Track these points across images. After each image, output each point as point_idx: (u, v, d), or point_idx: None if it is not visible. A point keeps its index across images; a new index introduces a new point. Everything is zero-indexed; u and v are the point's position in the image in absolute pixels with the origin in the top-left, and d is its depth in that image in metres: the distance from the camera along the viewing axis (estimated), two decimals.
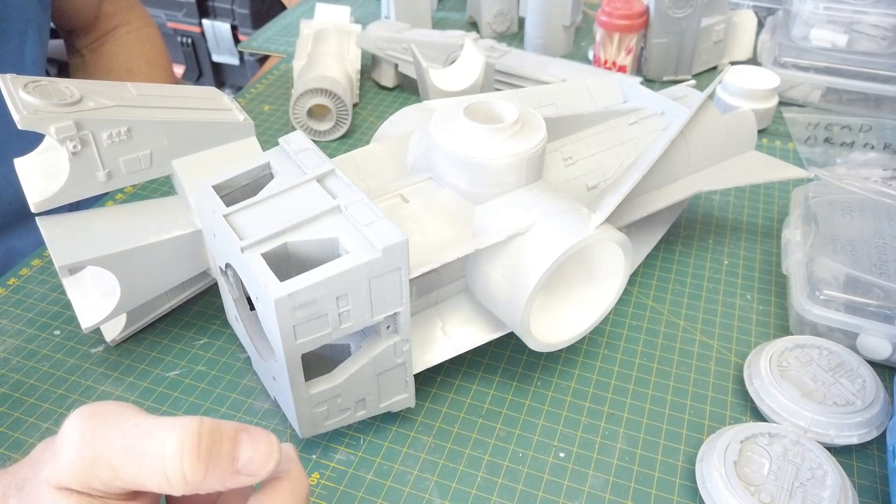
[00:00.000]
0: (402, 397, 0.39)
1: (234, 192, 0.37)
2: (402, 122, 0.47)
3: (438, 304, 0.41)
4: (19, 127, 0.37)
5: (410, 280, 0.34)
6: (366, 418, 0.39)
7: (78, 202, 0.42)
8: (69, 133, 0.38)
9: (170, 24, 1.55)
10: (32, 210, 0.40)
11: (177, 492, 0.25)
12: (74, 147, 0.38)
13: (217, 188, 0.36)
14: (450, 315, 0.41)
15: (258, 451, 0.26)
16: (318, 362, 0.39)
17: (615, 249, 0.39)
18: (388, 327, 0.36)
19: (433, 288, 0.40)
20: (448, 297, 0.41)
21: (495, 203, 0.39)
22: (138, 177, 0.42)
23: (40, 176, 0.40)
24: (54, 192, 0.39)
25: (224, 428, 0.25)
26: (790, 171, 0.50)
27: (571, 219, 0.37)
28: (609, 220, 0.38)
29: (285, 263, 0.33)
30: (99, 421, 0.25)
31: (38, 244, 0.56)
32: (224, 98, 0.46)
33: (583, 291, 0.41)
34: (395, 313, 0.35)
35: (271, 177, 0.37)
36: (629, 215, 0.45)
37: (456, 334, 0.41)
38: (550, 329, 0.40)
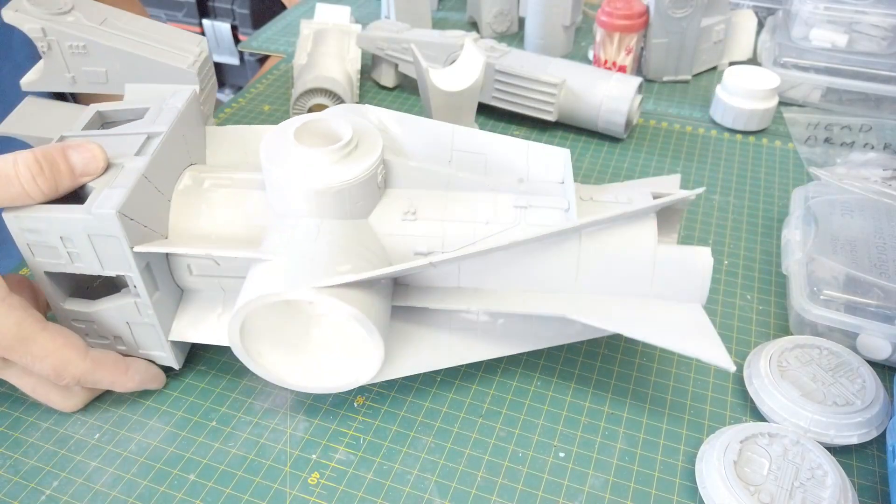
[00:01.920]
0: (160, 354, 0.41)
1: (116, 123, 0.42)
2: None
3: (228, 293, 0.41)
4: (4, 20, 0.45)
5: (190, 257, 0.38)
6: (135, 355, 0.41)
7: None
8: (37, 35, 0.45)
9: (170, 24, 1.55)
10: (22, 88, 0.48)
11: (38, 200, 0.35)
12: (42, 47, 0.46)
13: (104, 114, 0.42)
14: (233, 306, 0.39)
15: (86, 156, 0.36)
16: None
17: (355, 322, 0.35)
18: (135, 286, 0.37)
19: (216, 275, 0.40)
20: (234, 290, 0.41)
21: (284, 223, 0.38)
22: (99, 88, 0.49)
23: (36, 69, 0.48)
24: (34, 78, 0.48)
25: (53, 149, 0.35)
26: (717, 359, 0.36)
27: (301, 269, 0.35)
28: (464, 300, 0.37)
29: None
30: None
31: None
32: (195, 49, 0.49)
33: (349, 350, 0.39)
34: (129, 276, 0.37)
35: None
36: (468, 301, 0.39)
37: (224, 324, 0.40)
38: (304, 366, 0.39)
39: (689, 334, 0.37)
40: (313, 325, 0.39)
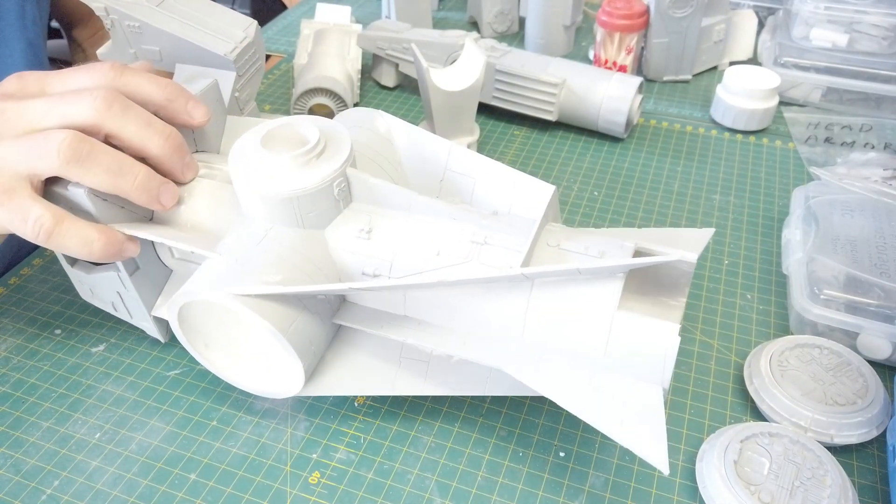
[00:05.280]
0: (147, 325, 0.44)
1: None
2: (344, 120, 0.46)
3: None
4: None
5: (156, 242, 0.40)
6: (132, 323, 0.44)
7: None
8: (101, 13, 0.49)
9: None
10: (98, 58, 0.49)
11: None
12: (107, 24, 0.50)
13: None
14: None
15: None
16: None
17: (273, 337, 0.35)
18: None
19: (193, 261, 0.41)
20: None
21: (244, 223, 0.38)
22: (156, 65, 0.51)
23: (108, 43, 0.52)
24: (105, 51, 0.51)
25: None
26: (653, 456, 0.31)
27: (230, 273, 0.35)
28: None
29: None
30: None
31: None
32: (240, 35, 0.50)
33: (279, 362, 0.38)
34: None
35: None
36: (406, 332, 0.37)
37: None
38: (242, 359, 0.39)
39: (633, 419, 0.32)
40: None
